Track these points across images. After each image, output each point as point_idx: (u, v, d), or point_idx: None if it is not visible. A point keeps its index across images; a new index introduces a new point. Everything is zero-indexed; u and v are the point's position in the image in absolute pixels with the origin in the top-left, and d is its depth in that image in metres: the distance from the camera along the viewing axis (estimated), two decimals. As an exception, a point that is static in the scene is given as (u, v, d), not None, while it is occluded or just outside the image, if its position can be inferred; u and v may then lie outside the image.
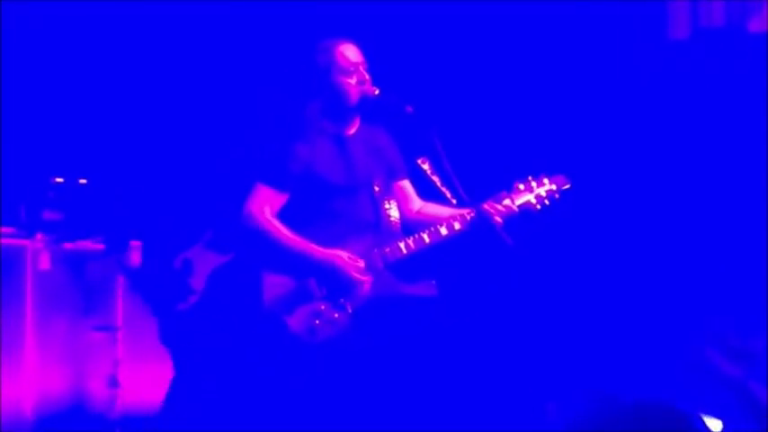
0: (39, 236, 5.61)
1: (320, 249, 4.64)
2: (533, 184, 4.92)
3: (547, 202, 4.92)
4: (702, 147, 6.37)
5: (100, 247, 5.77)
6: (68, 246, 5.68)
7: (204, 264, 5.03)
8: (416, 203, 5.03)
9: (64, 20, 6.24)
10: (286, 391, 4.60)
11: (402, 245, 4.73)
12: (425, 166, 4.87)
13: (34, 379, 5.52)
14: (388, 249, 4.72)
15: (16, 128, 6.11)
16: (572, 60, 6.68)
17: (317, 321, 4.55)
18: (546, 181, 4.94)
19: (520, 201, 4.85)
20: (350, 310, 4.59)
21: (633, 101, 6.61)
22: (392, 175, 4.97)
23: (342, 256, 4.63)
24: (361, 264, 4.65)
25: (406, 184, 5.03)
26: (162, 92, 6.44)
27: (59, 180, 5.76)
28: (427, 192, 4.99)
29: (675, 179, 6.41)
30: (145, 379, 5.79)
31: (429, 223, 4.83)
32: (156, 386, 5.80)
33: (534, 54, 6.73)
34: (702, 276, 6.25)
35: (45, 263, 5.60)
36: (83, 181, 5.81)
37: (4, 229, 5.59)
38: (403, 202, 5.00)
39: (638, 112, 6.59)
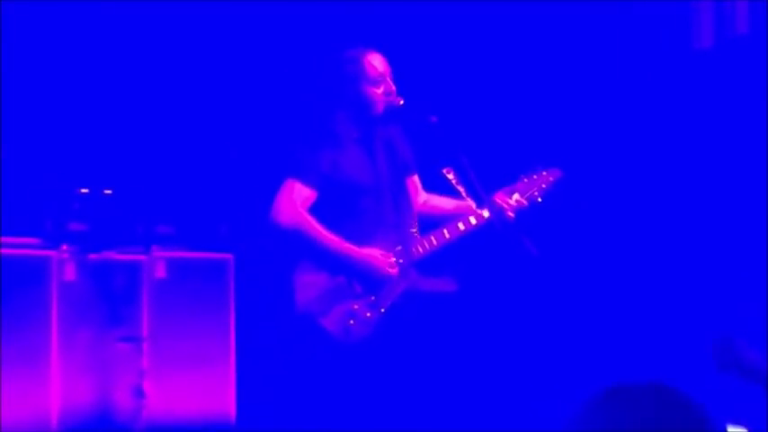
0: (64, 246, 5.61)
1: (352, 247, 4.68)
2: (534, 176, 5.11)
3: (545, 193, 5.10)
4: (728, 156, 6.34)
5: (125, 257, 5.78)
6: (94, 256, 5.68)
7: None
8: (423, 196, 5.12)
9: (89, 29, 6.26)
10: (324, 390, 4.63)
11: (425, 242, 4.79)
12: (450, 176, 4.92)
13: (59, 390, 5.51)
14: (411, 246, 4.77)
15: (40, 139, 6.13)
16: (596, 70, 6.68)
17: (352, 321, 4.60)
18: (544, 173, 5.13)
19: (526, 194, 5.03)
20: (382, 309, 4.63)
21: (657, 110, 6.60)
22: (407, 172, 5.02)
23: (375, 255, 4.68)
24: (393, 259, 4.70)
25: (416, 178, 5.12)
26: (190, 100, 6.46)
27: (85, 191, 5.77)
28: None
29: (701, 188, 6.39)
30: (170, 390, 5.78)
31: (434, 214, 5.03)
32: (182, 397, 5.81)
33: (557, 63, 6.73)
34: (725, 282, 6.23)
35: (70, 274, 5.60)
36: (108, 191, 5.82)
37: (29, 240, 5.59)
38: (413, 196, 5.08)
39: (662, 121, 6.57)
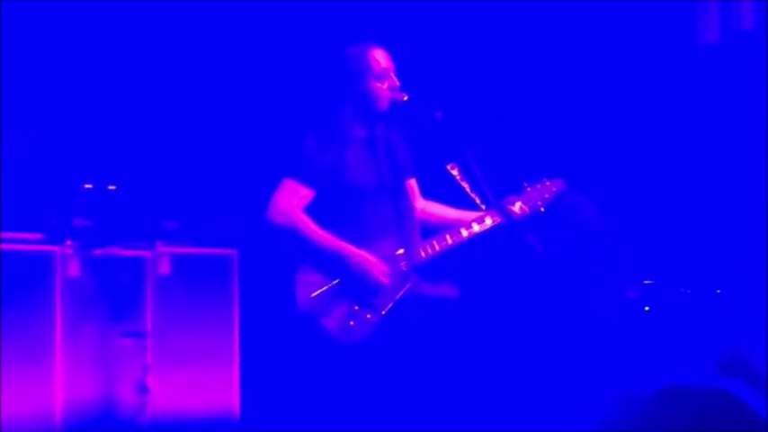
0: (68, 242, 5.62)
1: (347, 247, 4.67)
2: (538, 186, 5.05)
3: (548, 203, 5.05)
4: (732, 150, 6.34)
5: (129, 253, 5.78)
6: (98, 252, 5.68)
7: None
8: (420, 202, 5.09)
9: (90, 27, 6.27)
10: (324, 389, 4.64)
11: (428, 246, 4.77)
12: (455, 172, 4.89)
13: (63, 385, 5.53)
14: (414, 250, 4.75)
15: (44, 135, 6.13)
16: (601, 64, 6.67)
17: (352, 322, 4.59)
18: (548, 183, 5.07)
19: (529, 203, 4.99)
20: (383, 312, 4.62)
21: (662, 104, 6.59)
22: (407, 174, 5.00)
23: (369, 259, 4.65)
24: (385, 267, 4.67)
25: (413, 183, 5.08)
26: (194, 97, 6.46)
27: (88, 186, 5.77)
28: (456, 197, 5.01)
29: (705, 182, 6.38)
30: (174, 385, 5.79)
31: (432, 223, 4.99)
32: (186, 392, 5.81)
33: (563, 58, 6.72)
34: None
35: (74, 269, 5.61)
36: (112, 187, 5.82)
37: (34, 236, 5.60)
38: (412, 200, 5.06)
39: (668, 115, 6.57)
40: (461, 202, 4.99)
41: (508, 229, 4.87)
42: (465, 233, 4.84)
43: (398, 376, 4.60)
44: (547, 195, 5.05)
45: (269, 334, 5.72)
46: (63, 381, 5.53)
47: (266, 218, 4.73)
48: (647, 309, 5.37)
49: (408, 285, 4.71)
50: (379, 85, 4.83)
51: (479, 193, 4.88)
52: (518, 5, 6.70)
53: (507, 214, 4.86)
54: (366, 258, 4.66)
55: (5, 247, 5.46)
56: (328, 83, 4.91)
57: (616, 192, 6.55)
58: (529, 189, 5.03)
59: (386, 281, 4.66)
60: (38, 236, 5.61)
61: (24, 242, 5.55)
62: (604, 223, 4.94)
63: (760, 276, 5.93)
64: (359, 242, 4.71)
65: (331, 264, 4.65)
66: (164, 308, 5.81)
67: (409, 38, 6.30)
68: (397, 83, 4.87)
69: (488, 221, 4.87)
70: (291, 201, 4.71)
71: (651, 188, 6.55)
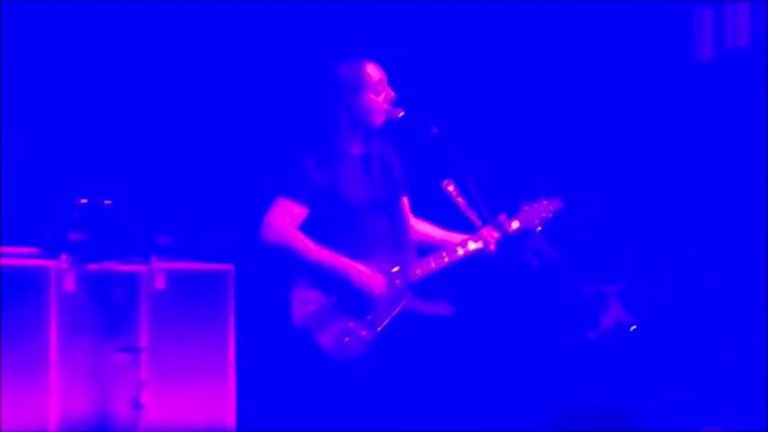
0: (63, 257, 5.61)
1: (344, 261, 4.67)
2: (536, 205, 5.06)
3: (545, 222, 5.06)
4: (728, 167, 6.35)
5: (124, 268, 5.78)
6: (93, 267, 5.68)
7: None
8: (411, 220, 5.08)
9: (89, 40, 6.27)
10: (319, 405, 4.64)
11: (423, 264, 4.77)
12: (450, 189, 4.89)
13: (58, 400, 5.51)
14: (409, 268, 4.75)
15: (40, 149, 6.13)
16: (597, 82, 6.68)
17: (347, 339, 4.59)
18: (545, 202, 5.07)
19: (526, 222, 5.00)
20: (379, 329, 4.62)
21: (657, 122, 6.60)
22: (402, 191, 5.01)
23: (367, 272, 4.66)
24: (382, 279, 4.68)
25: (405, 201, 5.07)
26: (191, 111, 6.47)
27: (84, 201, 5.77)
28: (451, 214, 5.01)
29: (701, 200, 6.40)
30: (169, 401, 5.77)
31: (419, 241, 4.97)
32: (181, 408, 5.80)
33: (558, 75, 6.74)
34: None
35: (70, 284, 5.60)
36: (107, 202, 5.82)
37: (29, 250, 5.59)
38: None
39: (663, 133, 6.58)
40: (456, 219, 5.00)
41: (505, 246, 4.88)
42: (461, 251, 4.85)
43: (393, 394, 4.60)
44: (544, 214, 5.05)
45: (264, 350, 5.72)
46: (58, 396, 5.52)
47: (260, 237, 4.74)
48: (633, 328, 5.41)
49: (404, 302, 4.72)
50: (374, 97, 4.83)
51: (476, 210, 4.89)
52: (515, 22, 6.72)
53: (504, 231, 4.86)
54: (362, 271, 4.67)
55: (1, 261, 5.45)
56: (323, 98, 4.90)
57: (612, 208, 6.56)
58: (526, 208, 5.03)
59: (383, 292, 4.67)
60: (33, 250, 5.60)
61: (20, 256, 5.54)
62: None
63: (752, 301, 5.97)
64: (354, 259, 4.72)
65: (327, 278, 4.66)
66: (159, 323, 5.80)
67: (406, 54, 6.31)
68: (393, 94, 4.87)
69: (485, 240, 4.87)
70: (285, 219, 4.71)
71: (646, 205, 6.56)
